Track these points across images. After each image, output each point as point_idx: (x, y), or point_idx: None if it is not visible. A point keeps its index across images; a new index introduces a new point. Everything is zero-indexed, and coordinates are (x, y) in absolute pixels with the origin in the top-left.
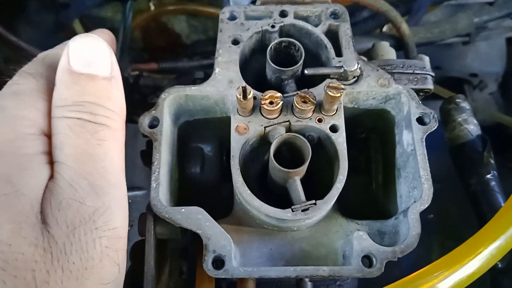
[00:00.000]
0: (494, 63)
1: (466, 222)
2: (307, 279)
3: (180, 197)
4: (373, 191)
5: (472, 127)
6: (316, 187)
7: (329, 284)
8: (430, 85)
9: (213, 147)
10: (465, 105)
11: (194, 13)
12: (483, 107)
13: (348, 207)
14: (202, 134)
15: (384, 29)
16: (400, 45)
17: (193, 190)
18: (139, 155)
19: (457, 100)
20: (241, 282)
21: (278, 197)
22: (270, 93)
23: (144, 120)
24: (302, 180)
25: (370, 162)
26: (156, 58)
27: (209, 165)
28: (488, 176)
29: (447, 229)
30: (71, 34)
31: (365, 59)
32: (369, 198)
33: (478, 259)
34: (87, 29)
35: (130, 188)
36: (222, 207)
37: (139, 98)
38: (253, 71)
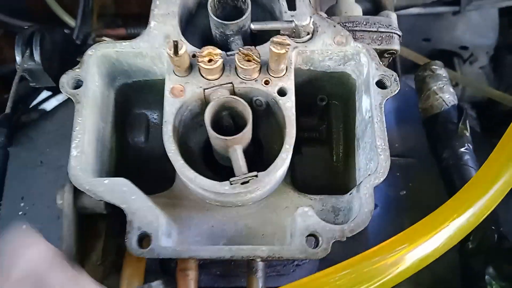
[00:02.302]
0: (486, 35)
1: (441, 199)
2: (258, 259)
3: (119, 168)
4: (334, 164)
5: (447, 96)
6: (267, 160)
7: (286, 264)
8: (396, 45)
9: (160, 113)
10: (442, 72)
11: None
12: (473, 82)
13: (305, 181)
14: (146, 99)
15: None
16: (378, 9)
17: (135, 160)
18: None
19: (433, 66)
20: (180, 262)
21: (226, 170)
22: (208, 49)
23: (66, 80)
24: (251, 152)
25: (331, 132)
26: (129, 25)
27: (155, 133)
28: (462, 149)
29: (420, 206)
30: None
31: (324, 14)
32: (329, 172)
33: (443, 233)
34: None
35: None
36: (168, 180)
37: None
38: (200, 29)
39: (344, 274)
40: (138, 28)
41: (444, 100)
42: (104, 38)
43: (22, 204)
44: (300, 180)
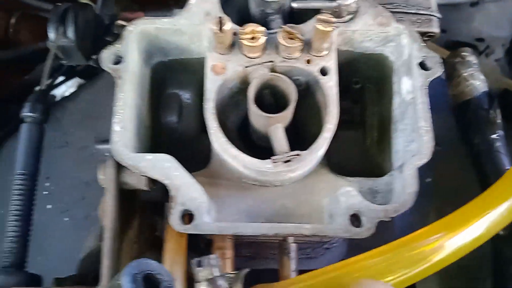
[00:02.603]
0: (503, 27)
1: (466, 187)
2: (290, 241)
3: (153, 147)
4: (367, 147)
5: (478, 83)
6: (304, 141)
7: (316, 247)
8: (435, 28)
9: (193, 93)
10: (472, 59)
11: None
12: (489, 73)
13: (338, 164)
14: (180, 79)
15: None
16: None
17: (168, 140)
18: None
19: (463, 53)
20: (217, 241)
21: (263, 151)
22: (251, 26)
23: (107, 55)
24: (288, 132)
25: (365, 116)
26: (146, 9)
27: (187, 114)
28: (494, 136)
29: (445, 194)
30: None
31: None
32: (362, 155)
33: (484, 221)
34: None
35: (107, 140)
36: (201, 160)
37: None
38: (236, 8)
39: (382, 258)
40: (155, 12)
41: (475, 87)
42: (121, 22)
43: (47, 184)
44: (334, 162)
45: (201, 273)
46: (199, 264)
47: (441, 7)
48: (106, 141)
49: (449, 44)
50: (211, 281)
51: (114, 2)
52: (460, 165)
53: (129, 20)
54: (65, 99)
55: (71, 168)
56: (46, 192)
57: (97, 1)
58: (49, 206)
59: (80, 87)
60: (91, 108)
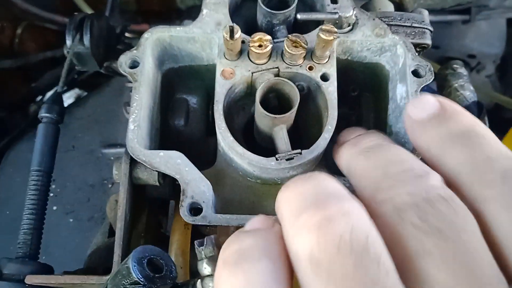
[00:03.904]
0: (494, 44)
1: None
2: None
3: (162, 148)
4: None
5: (468, 93)
6: (305, 142)
7: None
8: (428, 40)
9: (199, 99)
10: (462, 71)
11: None
12: (480, 89)
13: (335, 166)
14: (188, 85)
15: None
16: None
17: (176, 142)
18: (123, 107)
19: (455, 65)
20: (222, 234)
21: (264, 151)
22: (259, 35)
23: (125, 60)
24: (289, 133)
25: (361, 121)
26: (149, 22)
27: (194, 117)
28: None
29: None
30: None
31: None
32: None
33: None
34: None
35: (113, 145)
36: (206, 162)
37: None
38: (243, 19)
39: None
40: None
41: (465, 97)
42: (128, 34)
43: (53, 186)
44: (331, 165)
45: (203, 251)
46: (201, 244)
47: (434, 24)
48: (112, 145)
49: (442, 60)
50: (212, 258)
51: (119, 14)
52: None
53: (135, 31)
54: (73, 104)
55: (77, 171)
56: (52, 194)
57: (104, 13)
58: (54, 208)
59: (87, 94)
60: (98, 114)
